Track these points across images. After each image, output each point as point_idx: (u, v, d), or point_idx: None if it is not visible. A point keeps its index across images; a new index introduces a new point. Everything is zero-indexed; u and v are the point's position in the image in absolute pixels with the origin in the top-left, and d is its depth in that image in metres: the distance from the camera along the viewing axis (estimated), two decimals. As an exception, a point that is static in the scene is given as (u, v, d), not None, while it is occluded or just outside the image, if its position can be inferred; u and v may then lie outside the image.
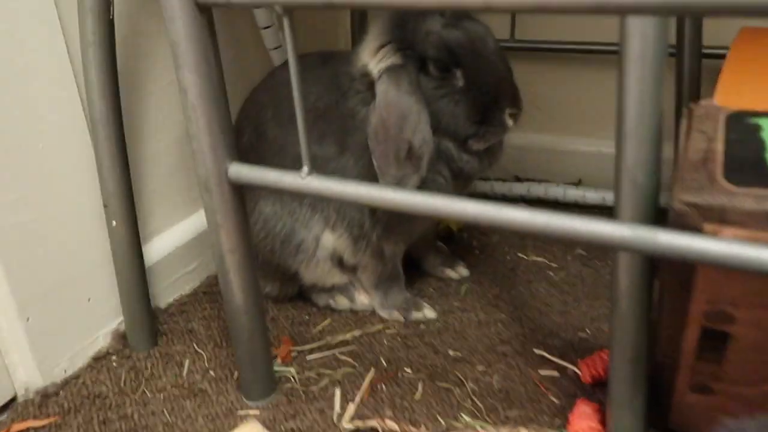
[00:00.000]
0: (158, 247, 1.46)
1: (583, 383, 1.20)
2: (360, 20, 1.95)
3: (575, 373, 1.23)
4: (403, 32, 1.13)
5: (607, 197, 1.84)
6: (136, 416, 1.18)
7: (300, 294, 1.50)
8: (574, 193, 1.87)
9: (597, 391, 1.18)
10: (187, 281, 1.54)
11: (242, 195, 1.04)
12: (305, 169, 0.94)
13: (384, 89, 1.11)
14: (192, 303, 1.50)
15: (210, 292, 1.54)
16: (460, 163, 1.21)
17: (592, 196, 1.86)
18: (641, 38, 0.77)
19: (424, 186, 1.18)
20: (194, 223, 1.56)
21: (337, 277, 1.42)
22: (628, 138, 0.82)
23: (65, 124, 1.19)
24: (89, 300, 1.30)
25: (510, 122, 1.16)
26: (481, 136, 1.17)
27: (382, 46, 1.16)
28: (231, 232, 1.05)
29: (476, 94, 1.13)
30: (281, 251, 1.35)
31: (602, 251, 1.66)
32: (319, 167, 0.98)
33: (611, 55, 1.78)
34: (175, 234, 1.51)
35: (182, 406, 1.20)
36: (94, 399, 1.22)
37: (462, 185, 1.28)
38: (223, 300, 1.13)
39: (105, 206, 1.24)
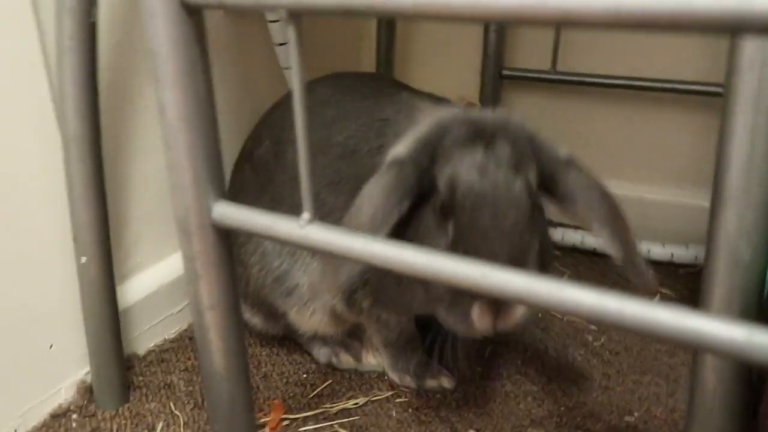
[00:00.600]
0: (139, 285, 1.28)
1: (633, 486, 0.99)
2: (387, 38, 1.78)
3: (623, 469, 1.02)
4: (437, 142, 0.91)
5: (653, 250, 1.63)
6: (90, 494, 0.98)
7: (299, 346, 1.31)
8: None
9: (651, 498, 0.96)
10: (172, 324, 1.35)
11: (228, 241, 0.85)
12: (306, 216, 0.75)
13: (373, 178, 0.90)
14: (175, 350, 1.31)
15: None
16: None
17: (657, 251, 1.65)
18: (759, 70, 0.57)
19: None
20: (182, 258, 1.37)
21: (337, 329, 1.23)
22: (729, 199, 0.62)
23: (33, 142, 1.02)
24: (51, 347, 1.12)
25: (482, 324, 0.85)
26: (443, 316, 0.92)
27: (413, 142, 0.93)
28: (213, 285, 0.85)
29: None
30: (272, 289, 1.17)
31: (648, 314, 1.44)
32: (325, 216, 0.79)
33: (654, 92, 1.59)
34: (160, 271, 1.33)
35: (147, 484, 1.00)
36: (43, 468, 1.03)
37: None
38: (200, 364, 0.94)
39: (74, 240, 1.06)
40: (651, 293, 0.96)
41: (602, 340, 1.35)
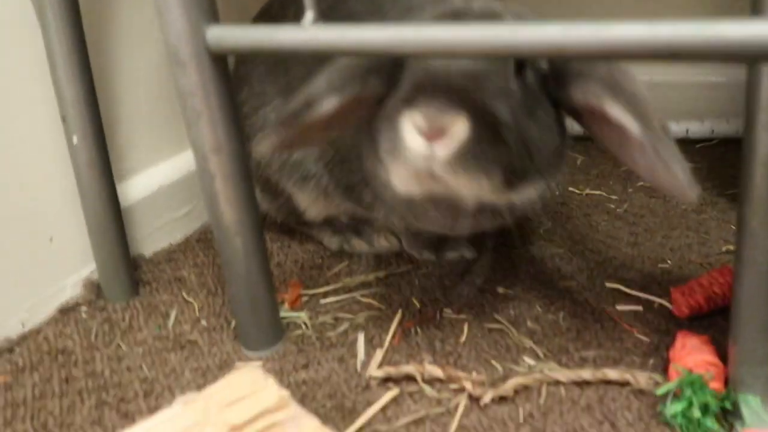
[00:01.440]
0: (138, 186, 1.22)
1: (676, 317, 0.94)
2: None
3: (663, 306, 0.97)
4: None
5: (692, 129, 1.57)
6: (107, 372, 0.93)
7: (311, 237, 1.25)
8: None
9: (695, 325, 0.91)
10: (177, 228, 1.30)
11: (226, 69, 0.79)
12: (309, 16, 0.69)
13: None
14: (183, 251, 1.25)
15: (205, 239, 1.30)
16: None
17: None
18: None
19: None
20: (183, 161, 1.31)
21: (339, 210, 1.18)
22: None
23: (6, 9, 0.95)
24: (51, 240, 1.06)
25: (414, 142, 0.67)
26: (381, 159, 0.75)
27: None
28: (216, 124, 0.80)
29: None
30: (279, 166, 1.12)
31: (669, 181, 1.39)
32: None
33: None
34: (158, 173, 1.26)
35: (165, 360, 0.95)
36: (56, 355, 0.97)
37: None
38: (211, 222, 0.88)
39: (63, 119, 0.99)
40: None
41: (625, 206, 1.30)
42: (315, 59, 0.86)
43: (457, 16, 0.75)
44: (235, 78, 1.16)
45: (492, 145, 0.68)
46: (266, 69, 1.13)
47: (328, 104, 0.75)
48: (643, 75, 1.67)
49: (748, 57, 0.48)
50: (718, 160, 1.47)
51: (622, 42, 0.51)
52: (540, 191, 0.82)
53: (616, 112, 0.69)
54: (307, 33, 0.69)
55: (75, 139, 1.00)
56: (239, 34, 0.74)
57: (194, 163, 1.27)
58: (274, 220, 1.27)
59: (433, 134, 0.66)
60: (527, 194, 0.80)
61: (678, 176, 0.70)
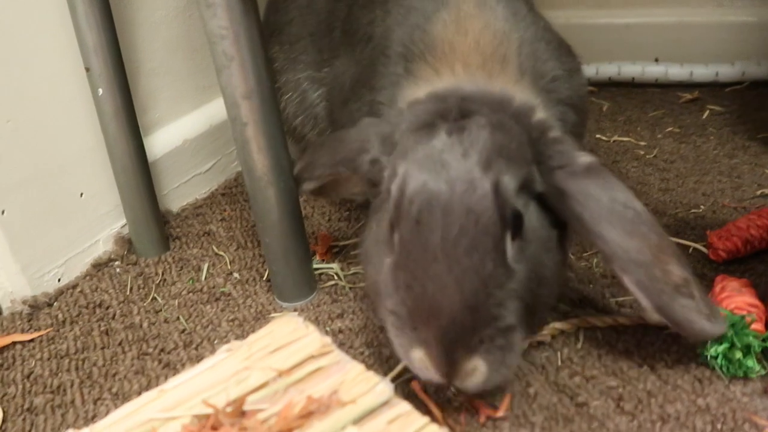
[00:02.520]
0: (163, 139, 1.21)
1: (711, 262, 0.93)
2: None
3: (698, 251, 0.96)
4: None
5: (695, 71, 1.53)
6: (145, 325, 0.94)
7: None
8: (654, 70, 1.56)
9: (732, 270, 0.91)
10: (202, 183, 1.29)
11: (256, 10, 0.77)
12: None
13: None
14: (209, 206, 1.25)
15: (230, 193, 1.29)
16: None
17: (676, 71, 1.55)
18: None
19: None
20: (207, 114, 1.29)
21: None
22: None
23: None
24: (81, 195, 1.06)
25: (425, 373, 0.65)
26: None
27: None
28: (247, 69, 0.78)
29: (399, 283, 0.66)
30: (303, 120, 1.12)
31: (699, 126, 1.36)
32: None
33: None
34: (181, 127, 1.25)
35: (201, 312, 0.96)
36: (94, 309, 0.99)
37: None
38: (243, 172, 0.87)
39: (87, 70, 0.98)
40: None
41: (655, 152, 1.28)
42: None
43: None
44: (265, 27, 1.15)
45: (510, 350, 0.65)
46: (298, 29, 1.11)
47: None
48: (672, 17, 1.64)
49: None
50: (749, 103, 1.44)
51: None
52: None
53: (628, 284, 0.69)
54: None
55: (100, 91, 0.99)
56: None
57: (217, 116, 1.28)
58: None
59: (450, 378, 0.64)
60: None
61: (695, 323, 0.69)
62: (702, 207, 1.08)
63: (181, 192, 1.25)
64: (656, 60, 1.59)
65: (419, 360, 0.65)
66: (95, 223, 1.09)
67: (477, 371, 0.64)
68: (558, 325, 0.83)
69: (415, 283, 0.64)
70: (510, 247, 0.65)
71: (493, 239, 0.63)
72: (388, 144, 0.73)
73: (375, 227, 0.75)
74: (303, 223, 0.92)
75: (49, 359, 0.89)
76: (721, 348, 0.72)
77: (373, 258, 0.74)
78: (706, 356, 0.74)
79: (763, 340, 0.73)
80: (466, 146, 0.65)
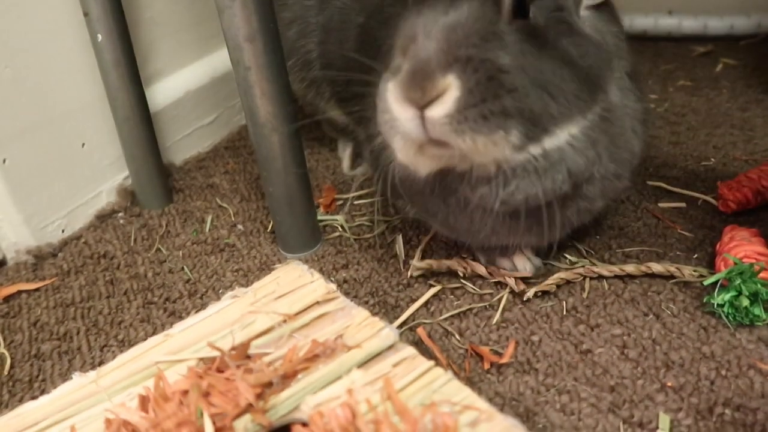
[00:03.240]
0: (165, 90, 1.19)
1: (720, 213, 0.92)
2: None
3: (707, 203, 0.95)
4: None
5: (710, 24, 1.49)
6: (150, 275, 0.94)
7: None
8: (667, 23, 1.52)
9: (741, 221, 0.89)
10: (205, 136, 1.28)
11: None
12: None
13: None
14: (212, 159, 1.24)
15: (233, 147, 1.28)
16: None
17: (690, 24, 1.51)
18: None
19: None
20: (209, 66, 1.27)
21: None
22: None
23: None
24: (83, 146, 1.05)
25: (401, 112, 0.59)
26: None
27: None
28: (249, 9, 0.76)
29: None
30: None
31: (711, 79, 1.33)
32: None
33: None
34: (183, 77, 1.23)
35: (206, 263, 0.96)
36: (98, 259, 0.99)
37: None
38: (247, 119, 0.86)
39: (85, 14, 0.96)
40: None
41: (666, 105, 1.25)
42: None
43: None
44: None
45: (497, 97, 0.58)
46: None
47: None
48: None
49: None
50: (764, 56, 1.40)
51: None
52: (582, 138, 0.65)
53: None
54: None
55: (99, 37, 0.97)
56: None
57: (220, 67, 1.26)
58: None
59: (422, 100, 0.58)
60: (558, 142, 0.64)
61: None
62: (713, 159, 1.06)
63: (183, 144, 1.24)
64: (669, 12, 1.55)
65: (390, 91, 0.59)
66: (98, 174, 1.08)
67: (449, 91, 0.57)
68: (563, 274, 0.82)
69: (409, 35, 0.59)
70: (506, 20, 0.61)
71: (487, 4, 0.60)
72: None
73: None
74: (307, 171, 0.91)
75: (54, 308, 0.89)
76: (728, 296, 0.72)
77: None
78: (713, 304, 0.74)
79: (772, 289, 0.72)
80: None
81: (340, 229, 0.99)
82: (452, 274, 0.86)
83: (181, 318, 0.85)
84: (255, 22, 0.76)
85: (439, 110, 0.57)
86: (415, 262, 0.86)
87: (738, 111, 1.20)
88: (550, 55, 0.63)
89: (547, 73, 0.62)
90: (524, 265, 0.86)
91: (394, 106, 0.59)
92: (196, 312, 0.80)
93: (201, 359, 0.65)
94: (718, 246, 0.81)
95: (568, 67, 0.63)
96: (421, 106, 0.58)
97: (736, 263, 0.73)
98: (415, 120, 0.58)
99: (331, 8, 1.00)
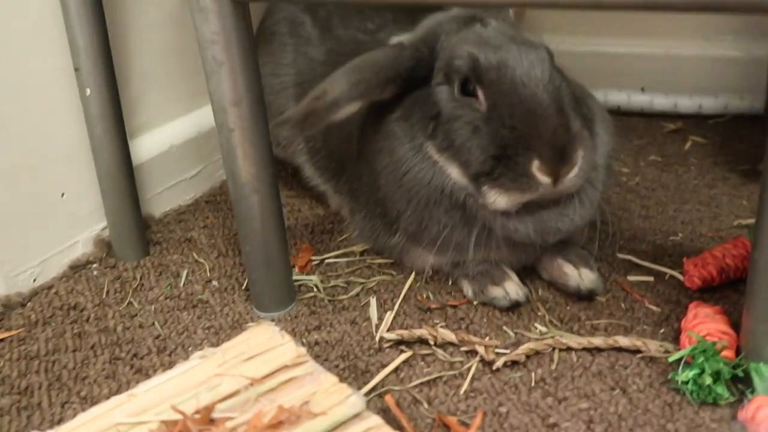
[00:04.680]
0: (149, 143, 1.21)
1: (687, 289, 0.94)
2: None
3: (674, 278, 0.97)
4: (436, 39, 0.91)
5: (680, 102, 1.56)
6: (119, 329, 0.93)
7: (321, 200, 1.25)
8: (640, 100, 1.59)
9: (706, 297, 0.92)
10: (186, 190, 1.29)
11: (248, 16, 0.78)
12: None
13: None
14: (192, 212, 1.25)
15: (214, 201, 1.29)
16: (478, 214, 0.87)
17: (661, 102, 1.58)
18: None
19: (421, 230, 0.90)
20: (195, 120, 1.30)
21: None
22: None
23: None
24: (63, 195, 1.06)
25: (544, 179, 0.80)
26: (495, 179, 0.82)
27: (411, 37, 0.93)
28: (236, 75, 0.79)
29: (496, 124, 0.83)
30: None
31: (681, 156, 1.39)
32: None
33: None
34: (170, 131, 1.25)
35: (177, 318, 0.95)
36: (68, 311, 0.98)
37: (511, 254, 0.94)
38: (228, 179, 0.87)
39: (76, 70, 0.98)
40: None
41: (637, 179, 1.30)
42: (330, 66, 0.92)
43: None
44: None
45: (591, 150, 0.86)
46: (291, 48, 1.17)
47: (351, 108, 0.86)
48: (659, 48, 1.67)
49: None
50: (731, 136, 1.46)
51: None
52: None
53: None
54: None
55: (88, 91, 0.99)
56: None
57: (206, 123, 1.28)
58: (283, 183, 1.26)
59: (563, 173, 0.81)
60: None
61: None
62: (680, 234, 1.09)
63: (164, 197, 1.25)
64: (642, 89, 1.62)
65: (538, 166, 0.80)
66: (75, 224, 1.08)
67: (579, 161, 0.82)
68: (532, 345, 0.83)
69: (516, 116, 0.81)
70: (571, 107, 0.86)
71: (557, 73, 0.84)
72: (430, 40, 0.90)
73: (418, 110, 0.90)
74: (285, 232, 0.92)
75: (18, 360, 0.88)
76: (691, 373, 0.73)
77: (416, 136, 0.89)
78: (678, 381, 0.75)
79: (733, 367, 0.74)
80: (505, 30, 0.88)
81: (314, 289, 1.00)
82: (423, 341, 0.87)
83: (147, 376, 0.84)
84: (241, 87, 0.79)
85: (573, 173, 0.82)
86: (385, 334, 0.86)
87: (705, 188, 1.25)
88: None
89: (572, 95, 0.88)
90: (516, 291, 0.92)
91: (541, 178, 0.80)
92: (164, 370, 0.80)
93: (163, 422, 0.64)
94: (683, 322, 0.83)
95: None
96: (559, 176, 0.81)
97: (699, 341, 0.75)
98: (551, 185, 0.81)
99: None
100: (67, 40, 0.97)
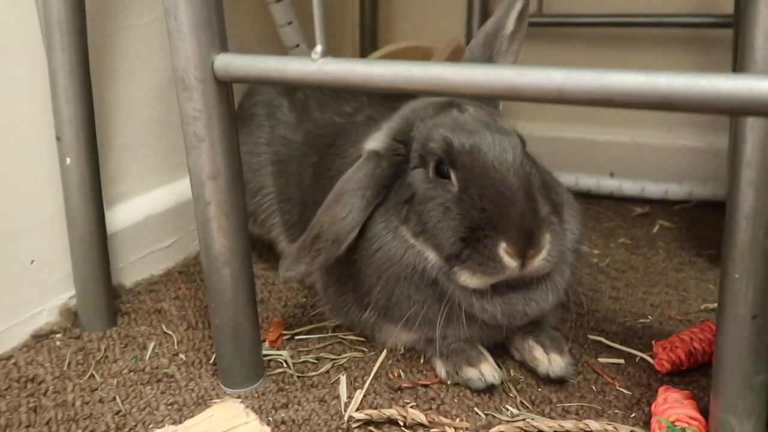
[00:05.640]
0: (126, 213, 1.21)
1: (657, 371, 0.94)
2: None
3: (644, 360, 0.98)
4: (411, 127, 0.95)
5: (647, 188, 1.62)
6: (78, 403, 0.89)
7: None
8: (609, 184, 1.65)
9: (676, 381, 0.92)
10: (160, 260, 1.28)
11: (230, 96, 0.80)
12: (318, 49, 0.71)
13: (350, 170, 0.92)
14: (164, 282, 1.24)
15: (187, 272, 1.28)
16: (451, 292, 0.88)
17: (629, 186, 1.64)
18: None
19: (391, 306, 0.91)
20: (173, 192, 1.31)
21: None
22: None
23: (12, 24, 0.96)
24: (32, 262, 1.04)
25: (511, 262, 0.82)
26: (464, 261, 0.84)
27: (385, 136, 0.96)
28: (215, 150, 0.80)
29: (467, 205, 0.85)
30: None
31: (649, 239, 1.43)
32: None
33: (648, 27, 1.60)
34: (148, 201, 1.26)
35: (140, 393, 0.92)
36: (25, 383, 0.94)
37: (482, 332, 0.94)
38: (201, 250, 0.87)
39: (58, 139, 1.00)
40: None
41: (607, 261, 1.32)
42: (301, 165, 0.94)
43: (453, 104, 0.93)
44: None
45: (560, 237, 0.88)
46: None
47: (353, 235, 0.90)
48: (627, 136, 1.75)
49: (736, 110, 0.50)
50: (696, 221, 1.51)
51: (621, 89, 0.53)
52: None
53: None
54: (316, 65, 0.71)
55: (68, 160, 1.00)
56: (247, 62, 0.76)
57: (184, 193, 1.29)
58: (258, 256, 1.26)
59: (530, 256, 0.83)
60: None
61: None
62: (649, 317, 1.11)
63: (137, 266, 1.23)
64: (611, 174, 1.69)
65: (505, 249, 0.81)
66: (43, 291, 1.06)
67: (546, 245, 0.83)
68: (503, 427, 0.82)
69: (486, 198, 0.83)
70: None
71: (528, 159, 0.87)
72: (405, 130, 0.94)
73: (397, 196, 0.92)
74: (256, 307, 0.91)
75: (-33, 435, 0.83)
76: (662, 460, 0.72)
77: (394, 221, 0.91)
78: (649, 468, 0.74)
79: (704, 455, 0.73)
80: (481, 116, 0.90)
81: (284, 364, 0.98)
82: (393, 422, 0.85)
83: (103, 454, 0.80)
84: (219, 162, 0.81)
85: (540, 256, 0.83)
86: (354, 413, 0.84)
87: (673, 271, 1.28)
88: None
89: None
90: (492, 373, 0.92)
91: (506, 259, 0.82)
92: (121, 449, 0.76)
93: (115, 505, 0.61)
94: (653, 406, 0.83)
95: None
96: (527, 259, 0.82)
97: (669, 426, 0.74)
98: (518, 268, 0.83)
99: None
100: (51, 108, 0.99)
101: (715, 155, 1.60)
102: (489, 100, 0.99)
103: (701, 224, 1.49)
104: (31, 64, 0.99)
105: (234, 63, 0.76)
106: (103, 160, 1.11)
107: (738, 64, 0.61)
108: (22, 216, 1.02)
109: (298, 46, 1.46)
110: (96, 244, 1.06)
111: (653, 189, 1.62)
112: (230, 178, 0.82)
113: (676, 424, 0.75)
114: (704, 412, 0.79)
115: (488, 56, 0.98)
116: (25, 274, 1.03)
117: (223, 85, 0.78)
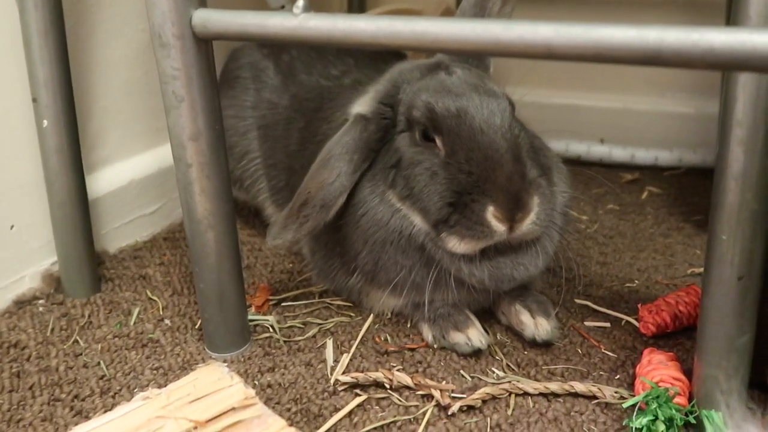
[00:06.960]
0: (109, 178, 1.19)
1: (642, 335, 0.95)
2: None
3: (630, 324, 0.98)
4: (398, 90, 0.92)
5: (637, 154, 1.62)
6: (61, 368, 0.89)
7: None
8: (599, 151, 1.64)
9: (661, 343, 0.93)
10: (144, 226, 1.26)
11: (210, 54, 0.78)
12: (300, 3, 0.69)
13: (337, 134, 0.90)
14: (149, 249, 1.22)
15: (172, 238, 1.27)
16: (437, 256, 0.87)
17: (619, 153, 1.63)
18: None
19: (378, 271, 0.90)
20: (157, 157, 1.28)
21: None
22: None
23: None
24: (12, 228, 1.02)
25: (499, 226, 0.80)
26: (452, 226, 0.83)
27: (372, 100, 0.94)
28: (196, 110, 0.78)
29: (454, 169, 0.83)
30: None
31: (638, 205, 1.42)
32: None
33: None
34: (129, 166, 1.24)
35: (125, 358, 0.91)
36: (8, 349, 0.93)
37: (469, 296, 0.92)
38: (184, 214, 0.86)
39: (34, 100, 0.97)
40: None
41: (595, 227, 1.32)
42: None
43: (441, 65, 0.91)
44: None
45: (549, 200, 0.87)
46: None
47: (341, 200, 0.89)
48: (618, 102, 1.73)
49: (729, 64, 0.49)
50: (685, 187, 1.51)
51: (611, 44, 0.52)
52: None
53: None
54: (297, 20, 0.69)
55: (45, 123, 0.97)
56: (226, 18, 0.74)
57: (168, 159, 1.27)
58: (244, 222, 1.25)
59: (518, 219, 0.81)
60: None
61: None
62: (636, 282, 1.11)
63: (121, 232, 1.22)
64: (601, 141, 1.68)
65: (493, 212, 0.80)
66: (24, 257, 1.04)
67: (535, 208, 0.82)
68: (489, 389, 0.82)
69: (473, 161, 0.81)
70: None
71: (516, 122, 0.86)
72: (392, 93, 0.92)
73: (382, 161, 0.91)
74: (241, 270, 0.90)
75: (-51, 400, 0.82)
76: (645, 420, 0.73)
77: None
78: (632, 428, 0.74)
79: (686, 414, 0.74)
80: (469, 78, 0.88)
81: (270, 329, 0.97)
82: (379, 384, 0.85)
83: (87, 418, 0.80)
84: (200, 122, 0.78)
85: (528, 220, 0.82)
86: (340, 376, 0.84)
87: (661, 237, 1.28)
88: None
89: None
90: (479, 338, 0.91)
91: (494, 222, 0.81)
92: (104, 412, 0.76)
93: (98, 467, 0.61)
94: (637, 368, 0.83)
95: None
96: (516, 222, 0.81)
97: (652, 387, 0.75)
98: (506, 231, 0.82)
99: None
100: (26, 69, 0.96)
101: (705, 122, 1.59)
102: (479, 60, 0.97)
103: (690, 191, 1.49)
104: (4, 22, 0.96)
105: (213, 18, 0.73)
106: (83, 124, 1.09)
107: (731, 19, 0.59)
108: (0, 180, 0.99)
109: (283, 7, 1.42)
110: (77, 209, 1.04)
111: (643, 155, 1.62)
112: (212, 139, 0.80)
113: (660, 384, 0.76)
114: (688, 373, 0.80)
115: (479, 17, 0.96)
116: (5, 239, 1.01)
117: (203, 43, 0.76)
